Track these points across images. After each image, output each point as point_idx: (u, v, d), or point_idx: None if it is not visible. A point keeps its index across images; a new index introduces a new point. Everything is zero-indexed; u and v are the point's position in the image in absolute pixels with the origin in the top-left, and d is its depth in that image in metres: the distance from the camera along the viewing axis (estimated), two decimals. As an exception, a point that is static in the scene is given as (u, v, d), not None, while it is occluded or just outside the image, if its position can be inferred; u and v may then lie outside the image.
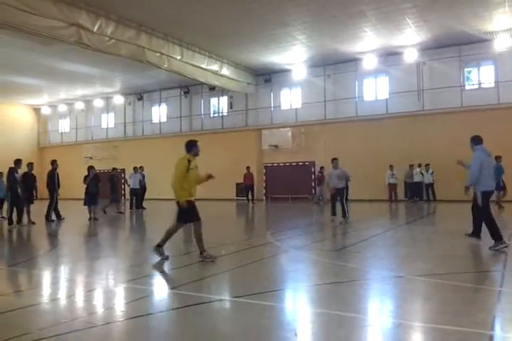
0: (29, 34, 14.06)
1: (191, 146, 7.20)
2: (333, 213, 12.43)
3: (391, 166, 20.95)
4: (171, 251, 8.32)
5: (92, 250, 8.93)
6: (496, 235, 7.41)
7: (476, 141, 7.96)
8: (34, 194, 13.72)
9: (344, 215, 12.42)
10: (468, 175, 7.76)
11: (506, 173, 15.98)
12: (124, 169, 30.20)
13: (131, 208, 18.14)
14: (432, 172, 20.12)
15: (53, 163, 14.62)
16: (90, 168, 14.67)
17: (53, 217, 14.28)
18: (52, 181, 14.39)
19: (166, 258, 6.94)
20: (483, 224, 7.84)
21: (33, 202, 13.58)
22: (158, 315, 4.31)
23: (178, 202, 6.80)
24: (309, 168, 24.33)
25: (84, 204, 14.42)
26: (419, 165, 20.52)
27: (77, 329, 3.86)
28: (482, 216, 7.79)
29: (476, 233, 8.29)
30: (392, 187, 21.28)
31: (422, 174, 20.35)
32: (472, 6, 16.22)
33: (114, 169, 18.38)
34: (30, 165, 13.71)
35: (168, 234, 6.99)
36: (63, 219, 14.40)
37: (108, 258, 7.72)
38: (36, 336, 3.67)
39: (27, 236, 11.60)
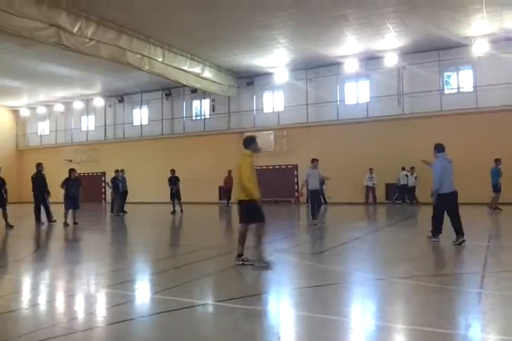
0: (8, 35, 13.83)
1: (251, 142, 6.86)
2: (315, 217, 12.50)
3: (371, 169, 21.12)
4: (154, 255, 8.27)
5: (72, 255, 8.80)
6: (436, 232, 8.47)
7: (439, 148, 8.55)
8: (5, 197, 13.44)
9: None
10: (432, 181, 8.37)
11: (484, 175, 16.30)
12: (104, 172, 29.96)
13: (112, 211, 17.97)
14: (416, 176, 20.26)
15: (38, 165, 14.64)
16: (72, 171, 14.47)
17: (36, 219, 14.26)
18: (39, 184, 14.37)
19: (252, 264, 6.57)
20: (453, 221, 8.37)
21: (5, 206, 13.33)
22: (140, 320, 4.27)
23: (244, 201, 6.57)
24: (292, 171, 24.39)
25: (68, 209, 14.06)
26: (403, 168, 20.72)
27: (58, 335, 3.80)
28: (434, 212, 8.54)
29: (457, 233, 8.34)
30: (370, 189, 21.43)
31: (407, 177, 20.54)
32: (451, 12, 16.48)
33: (117, 171, 18.27)
34: None
35: (241, 240, 6.73)
36: (43, 223, 14.20)
37: (89, 263, 7.61)
38: (15, 343, 3.60)
39: (4, 240, 11.38)
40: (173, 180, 18.54)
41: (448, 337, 3.64)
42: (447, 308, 4.40)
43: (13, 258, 8.55)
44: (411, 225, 13.71)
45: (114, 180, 18.00)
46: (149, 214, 18.49)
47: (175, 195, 18.40)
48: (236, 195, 6.84)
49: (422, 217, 15.96)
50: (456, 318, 4.16)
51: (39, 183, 14.43)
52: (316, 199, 12.72)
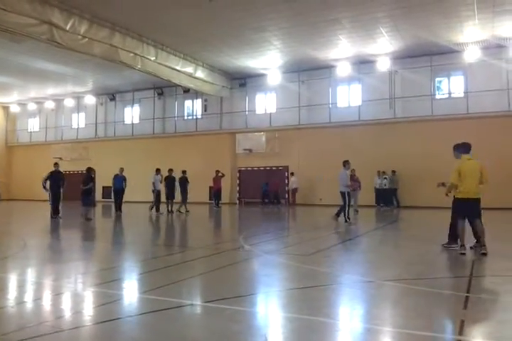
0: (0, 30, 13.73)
1: (470, 147, 7.88)
2: (348, 217, 13.31)
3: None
4: (145, 255, 8.23)
5: (65, 252, 8.73)
6: (454, 238, 8.08)
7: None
8: None
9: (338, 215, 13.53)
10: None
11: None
12: (94, 171, 29.68)
13: (157, 210, 18.29)
14: (386, 178, 20.69)
15: (56, 164, 15.58)
16: (90, 169, 15.03)
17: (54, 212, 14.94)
18: (56, 181, 15.08)
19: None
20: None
21: None
22: (127, 320, 4.23)
23: (478, 200, 7.62)
24: (283, 172, 24.42)
25: (88, 205, 14.69)
26: (379, 173, 20.99)
27: (44, 333, 3.76)
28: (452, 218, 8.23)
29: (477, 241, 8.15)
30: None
31: (386, 180, 20.82)
32: (444, 18, 16.65)
33: (184, 172, 18.96)
34: None
35: (458, 232, 7.71)
36: (61, 217, 14.96)
37: (78, 262, 7.55)
38: (0, 341, 3.56)
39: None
40: (170, 180, 18.51)
41: (435, 340, 3.66)
42: (435, 311, 4.42)
43: (2, 255, 8.45)
44: (399, 228, 13.77)
45: (182, 179, 18.76)
46: (142, 213, 18.38)
47: (170, 195, 18.37)
48: (472, 193, 7.58)
49: (409, 220, 16.06)
50: (443, 322, 4.18)
51: (56, 181, 15.08)
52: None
